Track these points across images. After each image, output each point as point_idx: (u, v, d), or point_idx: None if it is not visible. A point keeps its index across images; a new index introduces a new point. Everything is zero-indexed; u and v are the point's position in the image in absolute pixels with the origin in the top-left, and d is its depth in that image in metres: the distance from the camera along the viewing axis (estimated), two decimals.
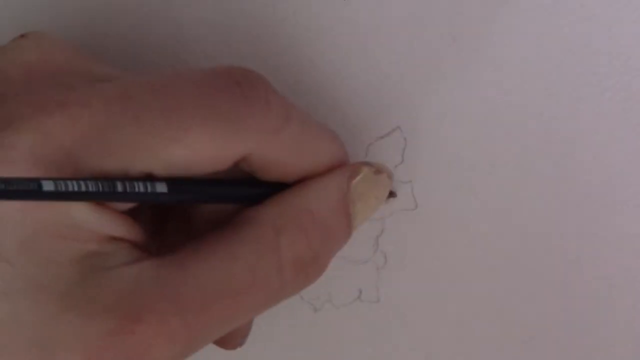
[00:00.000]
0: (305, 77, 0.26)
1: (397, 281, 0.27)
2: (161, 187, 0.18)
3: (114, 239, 0.19)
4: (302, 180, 0.22)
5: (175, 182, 0.19)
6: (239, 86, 0.20)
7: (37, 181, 0.16)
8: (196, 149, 0.19)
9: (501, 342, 0.28)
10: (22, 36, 0.20)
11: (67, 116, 0.18)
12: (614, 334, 0.27)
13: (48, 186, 0.16)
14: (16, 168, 0.17)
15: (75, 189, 0.17)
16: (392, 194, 0.25)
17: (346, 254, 0.27)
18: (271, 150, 0.20)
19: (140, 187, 0.18)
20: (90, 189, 0.17)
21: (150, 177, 0.19)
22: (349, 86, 0.26)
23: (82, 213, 0.18)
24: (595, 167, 0.26)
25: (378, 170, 0.24)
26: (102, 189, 0.17)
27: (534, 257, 0.27)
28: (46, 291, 0.18)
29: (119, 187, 0.18)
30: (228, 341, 0.24)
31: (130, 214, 0.19)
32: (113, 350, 0.18)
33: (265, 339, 0.28)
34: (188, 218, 0.22)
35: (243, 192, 0.22)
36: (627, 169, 0.26)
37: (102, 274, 0.18)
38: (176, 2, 0.25)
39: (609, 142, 0.26)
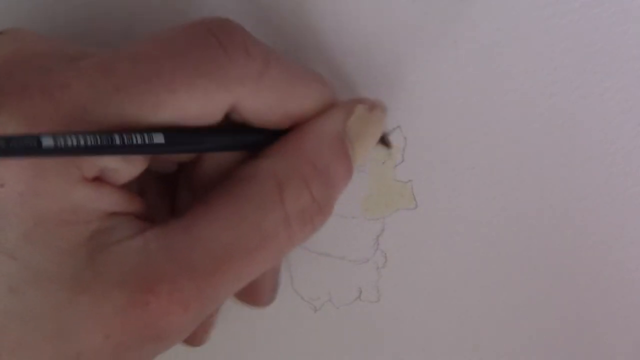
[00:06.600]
0: None
1: (397, 281, 0.27)
2: (158, 138, 0.18)
3: (114, 214, 0.19)
4: (296, 125, 0.22)
5: (172, 133, 0.19)
6: (215, 37, 0.19)
7: (36, 137, 0.16)
8: (183, 108, 0.19)
9: (501, 341, 0.28)
10: (0, 33, 0.20)
11: (48, 100, 0.17)
12: (614, 334, 0.27)
13: (47, 142, 0.16)
14: None
15: (75, 143, 0.17)
16: (386, 143, 0.25)
17: (346, 253, 0.27)
18: (257, 95, 0.20)
19: (137, 139, 0.18)
20: (89, 143, 0.17)
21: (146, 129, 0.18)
22: (349, 86, 0.26)
23: (80, 193, 0.18)
24: (595, 167, 0.26)
25: (372, 106, 0.23)
26: (101, 143, 0.17)
27: (533, 256, 0.27)
28: (55, 279, 0.18)
29: (117, 140, 0.17)
30: (259, 298, 0.24)
31: (138, 189, 0.19)
32: (131, 323, 0.18)
33: (265, 339, 0.28)
34: (194, 183, 0.22)
35: (241, 139, 0.21)
36: (628, 169, 0.26)
37: (108, 250, 0.18)
38: None
39: (609, 142, 0.26)
